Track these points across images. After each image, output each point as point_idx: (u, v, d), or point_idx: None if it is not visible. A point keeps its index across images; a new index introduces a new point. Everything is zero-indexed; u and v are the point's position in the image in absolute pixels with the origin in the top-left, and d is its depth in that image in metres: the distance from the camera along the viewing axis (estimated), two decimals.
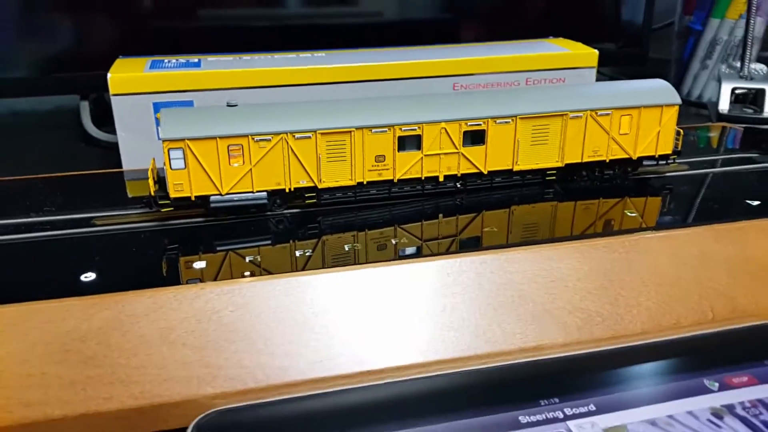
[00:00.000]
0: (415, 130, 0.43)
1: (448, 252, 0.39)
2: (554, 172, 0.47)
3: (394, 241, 0.40)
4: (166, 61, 0.57)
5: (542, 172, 0.47)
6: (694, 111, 0.76)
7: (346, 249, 0.39)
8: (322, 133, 0.41)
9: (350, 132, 0.42)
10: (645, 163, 0.49)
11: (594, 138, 0.46)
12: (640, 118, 0.47)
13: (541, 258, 0.39)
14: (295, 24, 0.69)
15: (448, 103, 0.44)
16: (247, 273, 0.36)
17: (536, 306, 0.38)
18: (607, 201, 0.46)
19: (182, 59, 0.58)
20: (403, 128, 0.42)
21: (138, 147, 0.54)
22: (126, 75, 0.53)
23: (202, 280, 0.35)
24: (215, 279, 0.36)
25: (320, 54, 0.61)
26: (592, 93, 0.47)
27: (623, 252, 0.40)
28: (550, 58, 0.61)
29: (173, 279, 0.36)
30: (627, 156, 0.48)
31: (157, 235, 0.40)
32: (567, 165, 0.47)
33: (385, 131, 0.42)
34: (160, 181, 0.42)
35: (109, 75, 0.52)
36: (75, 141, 0.67)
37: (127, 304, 0.33)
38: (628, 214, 0.44)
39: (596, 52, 0.62)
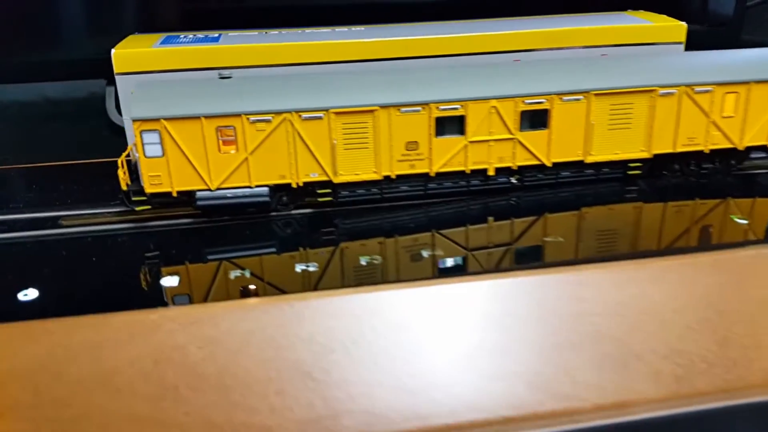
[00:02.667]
0: (457, 109, 0.33)
1: (498, 269, 0.29)
2: (638, 164, 0.36)
3: (426, 253, 0.30)
4: (181, 36, 0.49)
5: (623, 164, 0.36)
6: None
7: (363, 263, 0.29)
8: (336, 113, 0.32)
9: (373, 111, 0.32)
10: (752, 155, 0.38)
11: (690, 122, 0.35)
12: (749, 97, 0.35)
13: (625, 280, 0.29)
14: None
15: (500, 75, 0.34)
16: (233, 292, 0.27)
17: (619, 347, 0.27)
18: (706, 203, 0.35)
19: (200, 34, 0.49)
20: (441, 107, 0.32)
21: None
22: (132, 51, 0.44)
23: (168, 304, 0.26)
24: (188, 301, 0.27)
25: (359, 28, 0.51)
26: (687, 64, 0.36)
27: (735, 273, 0.29)
28: (630, 31, 0.50)
29: (131, 301, 0.27)
30: (731, 146, 0.36)
31: (127, 240, 0.32)
32: (655, 156, 0.36)
33: (419, 110, 0.32)
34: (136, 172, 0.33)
35: (113, 51, 0.44)
36: (99, 129, 0.60)
37: (63, 336, 0.25)
38: (737, 221, 0.33)
39: (684, 24, 0.51)
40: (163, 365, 0.24)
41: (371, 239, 0.32)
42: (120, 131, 0.58)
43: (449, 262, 0.30)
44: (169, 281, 0.28)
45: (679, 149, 0.36)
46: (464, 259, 0.30)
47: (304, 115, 0.31)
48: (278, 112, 0.31)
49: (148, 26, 0.53)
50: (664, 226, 0.33)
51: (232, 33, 0.50)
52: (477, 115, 0.33)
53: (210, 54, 0.45)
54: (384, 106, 0.32)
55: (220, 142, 0.31)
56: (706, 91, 0.35)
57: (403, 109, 0.32)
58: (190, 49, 0.45)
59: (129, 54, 0.44)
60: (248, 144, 0.31)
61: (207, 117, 0.30)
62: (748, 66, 0.36)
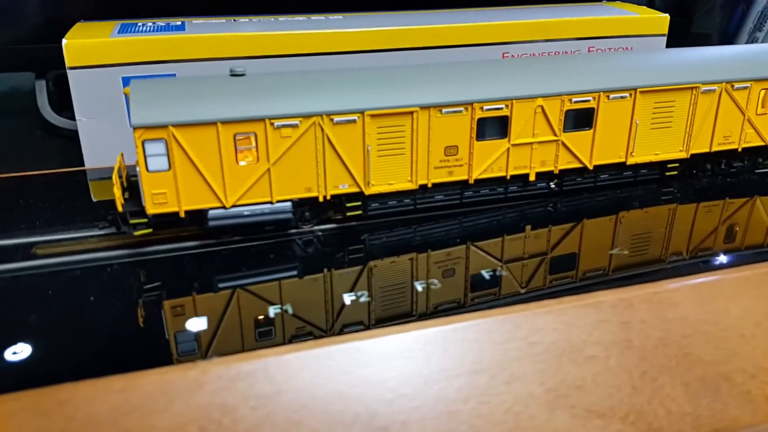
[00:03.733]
0: (502, 109, 0.29)
1: (573, 290, 0.26)
2: (676, 165, 0.34)
3: (488, 275, 0.27)
4: (139, 24, 0.43)
5: (661, 165, 0.34)
6: None
7: (419, 289, 0.26)
8: (372, 115, 0.27)
9: (412, 113, 0.28)
10: None
11: (727, 119, 0.34)
12: None
13: (704, 296, 0.26)
14: None
15: (543, 72, 0.31)
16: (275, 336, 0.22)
17: (707, 369, 0.25)
18: (741, 203, 0.33)
19: (160, 22, 0.44)
20: (484, 107, 0.29)
21: (105, 137, 0.40)
22: (87, 41, 0.39)
23: (202, 355, 0.22)
24: (225, 352, 0.22)
25: (337, 17, 0.47)
26: (724, 60, 0.34)
27: None
28: (615, 22, 0.48)
29: (156, 353, 0.22)
30: (763, 144, 0.35)
31: (127, 272, 0.26)
32: (692, 156, 0.34)
33: (461, 111, 0.29)
34: (132, 188, 0.28)
35: (64, 41, 0.38)
36: (31, 129, 0.53)
37: (79, 406, 0.19)
38: None
39: (666, 16, 0.50)
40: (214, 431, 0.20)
41: (402, 256, 0.28)
42: (56, 131, 0.52)
43: (486, 275, 0.27)
44: (197, 324, 0.23)
45: (715, 148, 0.34)
46: (497, 273, 0.27)
47: (337, 118, 0.27)
48: (307, 116, 0.27)
49: (82, 12, 0.47)
50: (717, 231, 0.31)
51: (197, 20, 0.45)
52: (522, 115, 0.30)
53: (177, 44, 0.40)
54: (424, 107, 0.28)
55: (237, 151, 0.26)
56: (745, 87, 0.33)
57: (445, 109, 0.28)
58: (154, 39, 0.39)
59: (84, 45, 0.38)
60: (271, 153, 0.27)
61: (224, 122, 0.26)
62: None
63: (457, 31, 0.44)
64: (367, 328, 0.24)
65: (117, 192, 0.26)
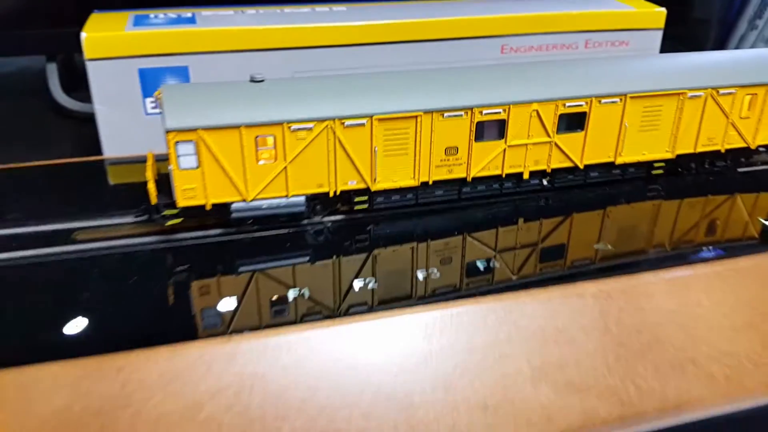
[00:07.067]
0: (499, 113, 0.34)
1: (560, 279, 0.31)
2: (662, 164, 0.39)
3: (482, 265, 0.32)
4: (152, 16, 0.48)
5: (648, 165, 0.39)
6: None
7: (420, 278, 0.31)
8: (379, 119, 0.32)
9: (416, 117, 0.33)
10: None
11: (711, 123, 0.38)
12: (766, 99, 0.39)
13: (678, 288, 0.31)
14: None
15: (538, 78, 0.35)
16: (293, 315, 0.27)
17: (676, 354, 0.30)
18: (721, 201, 0.38)
19: (172, 14, 0.48)
20: (483, 111, 0.34)
21: (121, 125, 0.45)
22: (105, 34, 0.43)
23: (225, 329, 0.27)
24: (253, 327, 0.27)
25: (340, 8, 0.52)
26: (711, 67, 0.39)
27: None
28: (613, 16, 0.53)
29: (193, 327, 0.27)
30: (744, 145, 0.40)
31: (162, 256, 0.31)
32: (678, 156, 0.39)
33: (461, 115, 0.33)
34: (161, 181, 0.33)
35: (83, 34, 0.43)
36: (42, 111, 0.57)
37: (135, 372, 0.25)
38: (765, 222, 0.36)
39: (663, 11, 0.54)
40: (246, 396, 0.25)
41: (404, 245, 0.33)
42: (66, 112, 0.56)
43: (480, 264, 0.32)
44: (224, 303, 0.28)
45: (699, 149, 0.39)
46: (491, 261, 0.32)
47: (348, 122, 0.32)
48: (321, 120, 0.31)
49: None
50: (697, 227, 0.36)
51: (206, 12, 0.50)
52: (518, 118, 0.34)
53: (189, 38, 0.44)
54: (428, 111, 0.33)
55: (259, 151, 0.31)
56: (730, 93, 0.38)
57: (446, 114, 0.33)
58: (169, 32, 0.44)
59: (103, 38, 0.43)
60: (288, 153, 0.32)
61: (246, 126, 0.31)
62: (763, 67, 0.39)
63: (458, 24, 0.49)
64: (371, 309, 0.29)
65: (151, 187, 0.31)
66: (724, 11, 0.76)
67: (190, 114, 0.30)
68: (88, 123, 0.46)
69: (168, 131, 0.30)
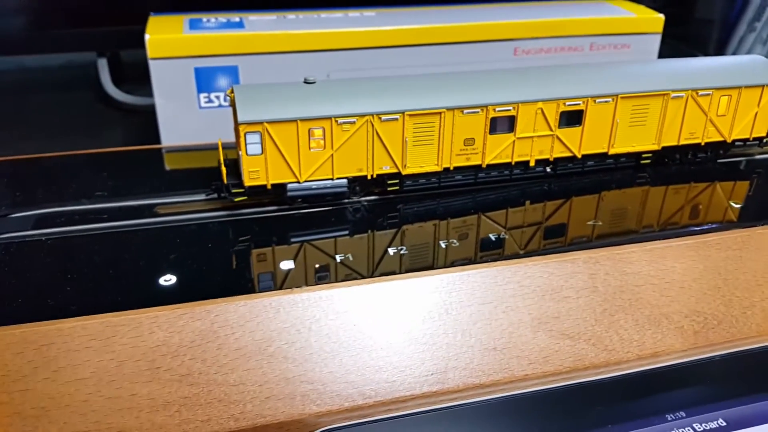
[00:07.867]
0: (510, 110, 0.41)
1: (558, 250, 0.37)
2: (649, 155, 0.45)
3: (494, 236, 0.38)
4: (204, 20, 0.54)
5: (637, 155, 0.45)
6: None
7: (444, 246, 0.37)
8: (410, 115, 0.39)
9: (440, 113, 0.40)
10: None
11: (692, 120, 0.45)
12: (739, 99, 0.45)
13: (656, 257, 0.38)
14: None
15: (543, 81, 0.42)
16: (340, 276, 0.34)
17: (653, 310, 0.36)
18: (702, 188, 0.45)
19: (222, 18, 0.55)
20: (496, 109, 0.40)
21: (178, 116, 0.52)
22: (166, 37, 0.50)
23: (292, 284, 0.33)
24: (308, 283, 0.34)
25: (370, 13, 0.59)
26: (692, 71, 0.45)
27: (736, 249, 0.39)
28: (615, 22, 0.59)
29: (262, 281, 0.34)
30: (722, 139, 0.46)
31: (231, 227, 0.38)
32: (663, 148, 0.45)
33: (478, 112, 0.40)
34: (229, 165, 0.40)
35: (147, 36, 0.49)
36: (93, 102, 0.64)
37: (219, 314, 0.32)
38: (734, 205, 0.42)
39: (662, 17, 0.60)
40: (305, 334, 0.32)
41: (428, 222, 0.40)
42: (116, 105, 0.63)
43: (493, 239, 0.38)
44: (287, 264, 0.35)
45: (682, 142, 0.46)
46: (500, 237, 0.39)
47: (384, 117, 0.39)
48: (362, 115, 0.38)
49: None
50: (678, 208, 0.42)
51: (252, 17, 0.56)
52: (525, 115, 0.41)
53: (239, 41, 0.51)
54: (450, 109, 0.40)
55: (310, 140, 0.38)
56: (707, 95, 0.44)
57: (465, 111, 0.40)
58: (220, 36, 0.51)
59: (164, 40, 0.50)
60: (334, 142, 0.38)
61: (301, 120, 0.37)
62: (738, 73, 0.45)
63: (476, 29, 0.56)
64: (401, 272, 0.36)
65: (223, 169, 0.38)
66: (726, 13, 0.82)
67: (256, 110, 0.37)
68: (135, 114, 0.53)
69: (240, 124, 0.36)
